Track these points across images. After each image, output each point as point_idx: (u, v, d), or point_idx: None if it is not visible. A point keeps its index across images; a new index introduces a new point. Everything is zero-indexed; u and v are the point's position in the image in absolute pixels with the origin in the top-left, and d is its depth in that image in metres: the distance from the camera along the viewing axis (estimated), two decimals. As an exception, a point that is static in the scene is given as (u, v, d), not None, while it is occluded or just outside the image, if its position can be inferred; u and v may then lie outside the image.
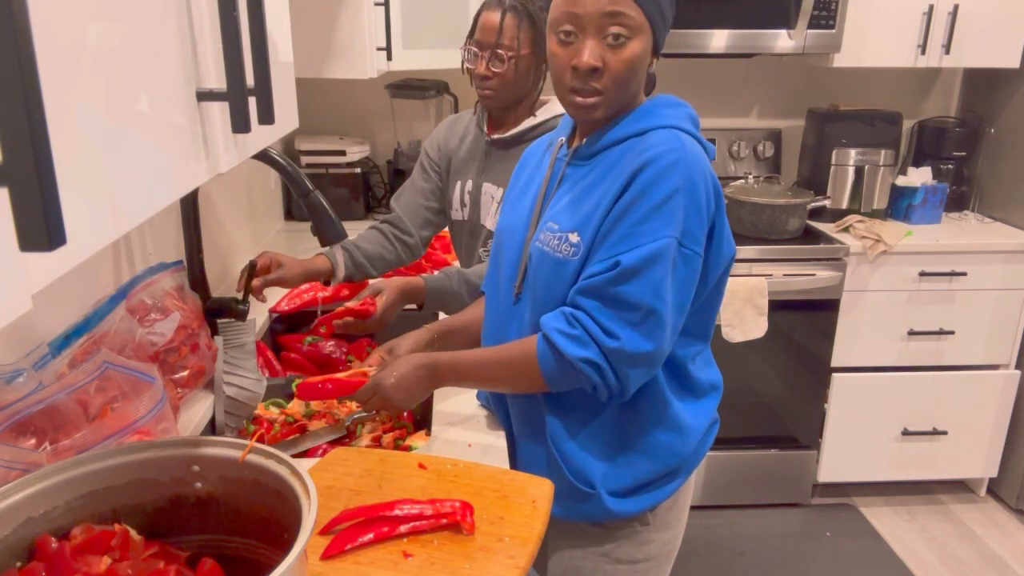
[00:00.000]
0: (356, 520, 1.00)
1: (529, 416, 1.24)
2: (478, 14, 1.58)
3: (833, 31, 2.49)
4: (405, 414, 1.42)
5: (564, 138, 1.23)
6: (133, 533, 0.82)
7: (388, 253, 1.75)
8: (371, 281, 1.57)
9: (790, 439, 2.70)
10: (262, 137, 0.84)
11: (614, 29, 1.04)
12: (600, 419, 1.18)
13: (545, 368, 1.10)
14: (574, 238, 1.11)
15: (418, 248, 1.79)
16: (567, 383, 1.11)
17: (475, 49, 1.58)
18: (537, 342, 1.11)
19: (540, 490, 1.09)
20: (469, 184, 1.72)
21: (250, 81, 0.71)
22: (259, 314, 1.78)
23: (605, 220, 1.08)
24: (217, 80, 0.71)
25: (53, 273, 0.46)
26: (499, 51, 1.55)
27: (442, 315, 1.64)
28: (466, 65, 1.62)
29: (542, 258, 1.16)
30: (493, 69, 1.57)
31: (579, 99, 1.09)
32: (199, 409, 1.33)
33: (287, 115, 0.96)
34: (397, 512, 1.00)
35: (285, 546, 0.71)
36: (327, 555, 0.95)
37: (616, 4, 1.03)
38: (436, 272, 1.62)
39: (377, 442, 1.37)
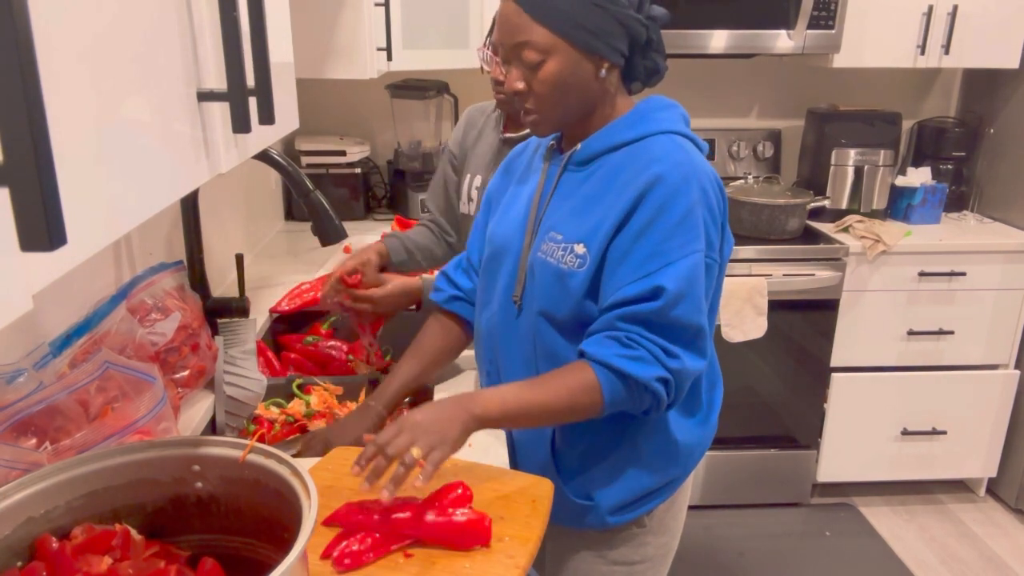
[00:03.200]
0: (364, 534, 0.98)
1: (531, 435, 1.23)
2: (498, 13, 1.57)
3: (833, 31, 2.49)
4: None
5: (554, 141, 1.22)
6: (134, 533, 0.82)
7: (437, 248, 1.79)
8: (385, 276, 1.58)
9: (790, 439, 2.70)
10: (262, 137, 0.84)
11: (525, 56, 1.07)
12: (606, 437, 1.17)
13: (612, 395, 1.05)
14: (580, 249, 1.10)
15: (460, 247, 1.78)
16: (629, 407, 1.08)
17: (490, 52, 1.55)
18: (596, 372, 1.05)
19: (540, 490, 1.09)
20: (478, 180, 1.73)
21: (250, 81, 0.71)
22: (259, 314, 1.78)
23: (618, 235, 1.07)
24: (217, 80, 0.71)
25: (54, 273, 0.46)
26: (487, 51, 1.55)
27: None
28: (484, 67, 1.62)
29: (544, 269, 1.14)
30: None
31: (523, 118, 1.14)
32: (199, 409, 1.33)
33: (287, 115, 0.96)
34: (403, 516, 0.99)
35: (285, 546, 0.71)
36: (327, 554, 0.95)
37: (518, 35, 1.06)
38: (436, 273, 1.62)
39: (377, 442, 1.37)
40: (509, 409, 1.04)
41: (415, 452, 0.96)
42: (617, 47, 1.08)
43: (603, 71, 1.09)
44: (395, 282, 1.53)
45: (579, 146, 1.15)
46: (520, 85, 1.09)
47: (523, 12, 1.05)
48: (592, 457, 1.19)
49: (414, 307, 1.59)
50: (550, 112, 1.11)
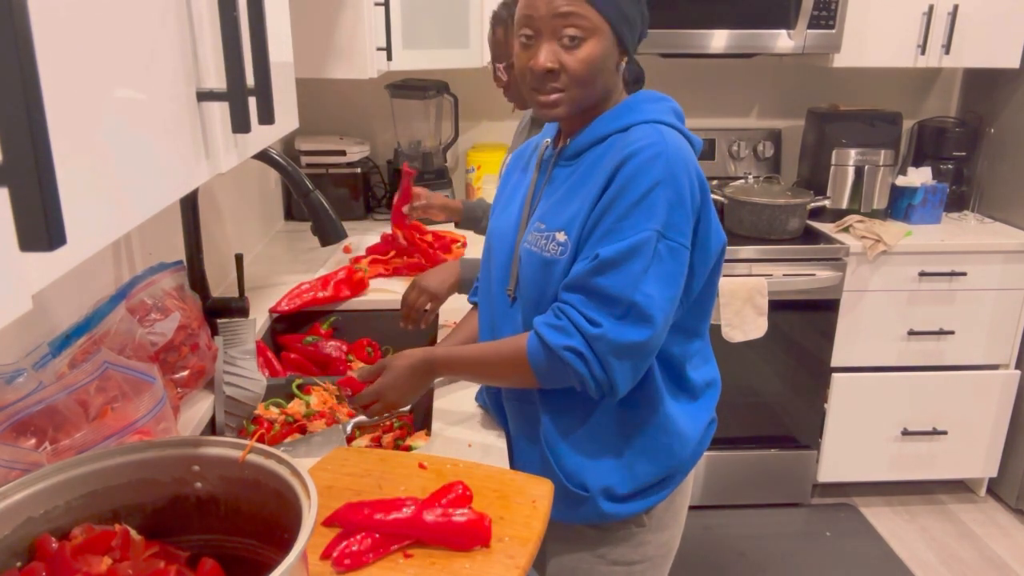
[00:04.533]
0: (364, 534, 0.98)
1: (525, 418, 1.24)
2: None
3: (833, 31, 2.49)
4: (407, 409, 1.42)
5: (549, 140, 1.24)
6: (133, 533, 0.82)
7: None
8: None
9: (790, 439, 2.70)
10: (262, 137, 0.84)
11: (568, 31, 1.05)
12: (596, 422, 1.17)
13: (534, 362, 1.10)
14: (561, 237, 1.11)
15: None
16: (556, 378, 1.11)
17: (492, 63, 1.74)
18: (528, 338, 1.12)
19: (540, 490, 1.09)
20: (506, 156, 1.80)
21: (250, 81, 0.71)
22: (259, 314, 1.78)
23: (589, 217, 1.09)
24: (217, 80, 0.71)
25: (53, 273, 0.46)
26: (499, 63, 1.70)
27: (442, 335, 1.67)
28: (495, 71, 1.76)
29: (530, 258, 1.16)
30: (503, 79, 1.70)
31: (541, 97, 1.10)
32: (199, 409, 1.33)
33: (287, 115, 0.96)
34: (402, 513, 0.99)
35: (285, 546, 0.71)
36: (327, 554, 0.95)
37: (568, 5, 1.04)
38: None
39: (377, 442, 1.37)
40: (453, 359, 1.22)
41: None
42: (635, 43, 1.10)
43: (623, 65, 1.11)
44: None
45: (568, 142, 1.17)
46: (552, 64, 1.06)
47: None
48: (582, 440, 1.19)
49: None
50: (578, 92, 1.09)
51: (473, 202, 1.93)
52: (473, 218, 1.90)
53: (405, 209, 1.91)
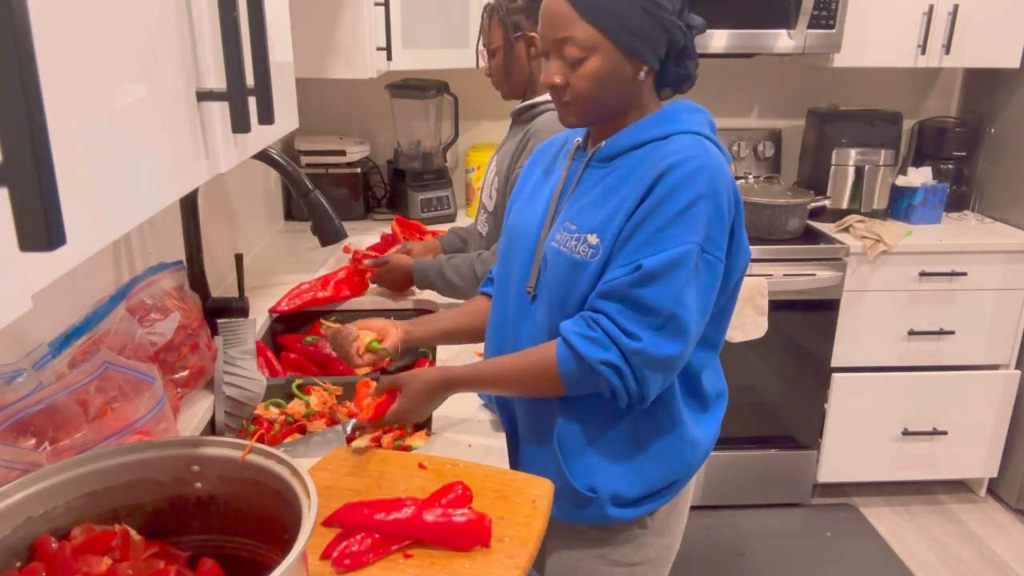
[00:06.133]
0: (364, 534, 0.98)
1: (538, 420, 1.24)
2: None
3: (833, 31, 2.49)
4: None
5: (580, 139, 1.24)
6: (133, 533, 0.82)
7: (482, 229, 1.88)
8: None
9: (790, 439, 2.70)
10: (262, 137, 0.84)
11: (567, 52, 1.08)
12: (613, 427, 1.17)
13: (565, 372, 1.09)
14: (593, 239, 1.11)
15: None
16: (586, 387, 1.10)
17: (482, 49, 1.77)
18: (557, 346, 1.11)
19: (540, 490, 1.09)
20: (493, 154, 1.85)
21: (250, 81, 0.71)
22: (259, 314, 1.78)
23: (627, 224, 1.08)
24: (217, 80, 0.71)
25: (53, 273, 0.46)
26: (481, 51, 1.75)
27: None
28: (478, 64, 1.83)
29: (558, 258, 1.15)
30: (488, 68, 1.73)
31: (558, 107, 1.15)
32: (199, 409, 1.33)
33: (287, 115, 0.96)
34: (402, 513, 0.99)
35: (285, 546, 0.71)
36: (327, 555, 0.95)
37: (563, 30, 1.07)
38: (429, 257, 1.79)
39: (377, 442, 1.37)
40: (473, 376, 1.19)
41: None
42: (657, 52, 1.10)
43: (641, 74, 1.11)
44: (393, 262, 1.80)
45: (603, 143, 1.17)
46: (558, 80, 1.10)
47: (572, 8, 1.06)
48: (596, 443, 1.18)
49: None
50: (584, 107, 1.12)
51: (426, 262, 1.75)
52: (425, 280, 1.75)
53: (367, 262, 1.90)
